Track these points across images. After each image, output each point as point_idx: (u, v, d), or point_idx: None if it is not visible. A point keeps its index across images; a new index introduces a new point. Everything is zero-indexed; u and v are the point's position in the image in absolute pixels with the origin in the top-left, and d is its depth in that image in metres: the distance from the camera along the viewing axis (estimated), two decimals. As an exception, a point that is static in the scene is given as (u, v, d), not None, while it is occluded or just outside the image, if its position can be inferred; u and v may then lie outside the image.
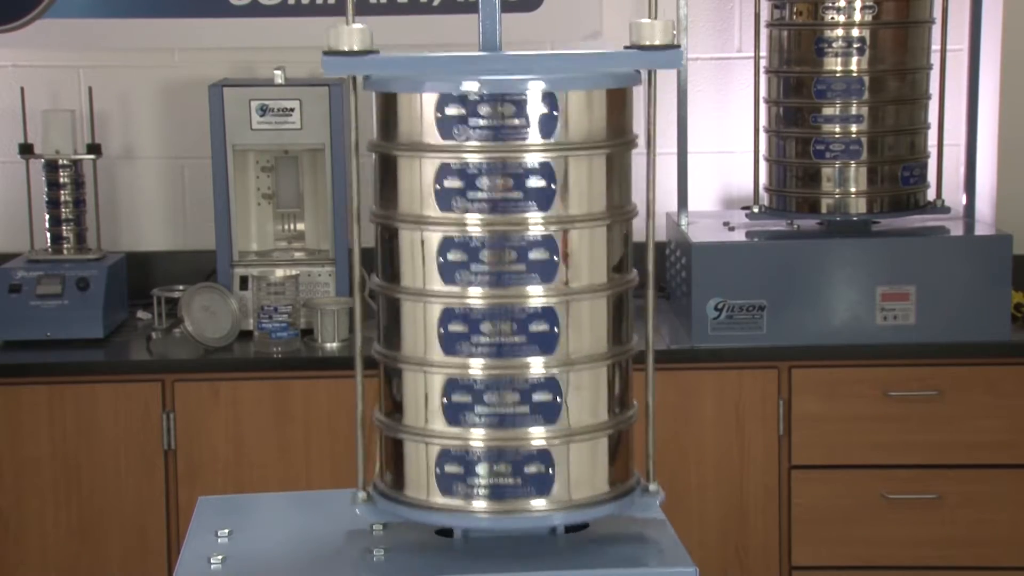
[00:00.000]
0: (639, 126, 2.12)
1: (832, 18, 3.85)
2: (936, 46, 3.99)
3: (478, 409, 2.04)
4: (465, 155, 2.01)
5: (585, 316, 2.07)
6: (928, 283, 3.86)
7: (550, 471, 2.06)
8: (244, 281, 4.02)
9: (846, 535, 3.91)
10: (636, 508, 2.15)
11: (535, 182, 2.02)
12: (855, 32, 3.85)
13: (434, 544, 2.13)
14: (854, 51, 3.86)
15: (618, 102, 2.08)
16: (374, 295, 2.17)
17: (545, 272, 2.03)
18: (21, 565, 3.88)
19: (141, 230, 4.45)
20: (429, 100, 2.02)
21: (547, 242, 2.03)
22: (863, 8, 3.84)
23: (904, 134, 3.93)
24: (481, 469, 2.05)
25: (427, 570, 2.07)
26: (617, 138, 2.08)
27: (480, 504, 2.06)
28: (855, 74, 3.87)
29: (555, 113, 2.01)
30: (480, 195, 2.01)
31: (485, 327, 2.03)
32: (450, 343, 2.04)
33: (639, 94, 2.14)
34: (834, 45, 3.86)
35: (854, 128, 3.89)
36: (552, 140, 2.02)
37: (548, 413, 2.05)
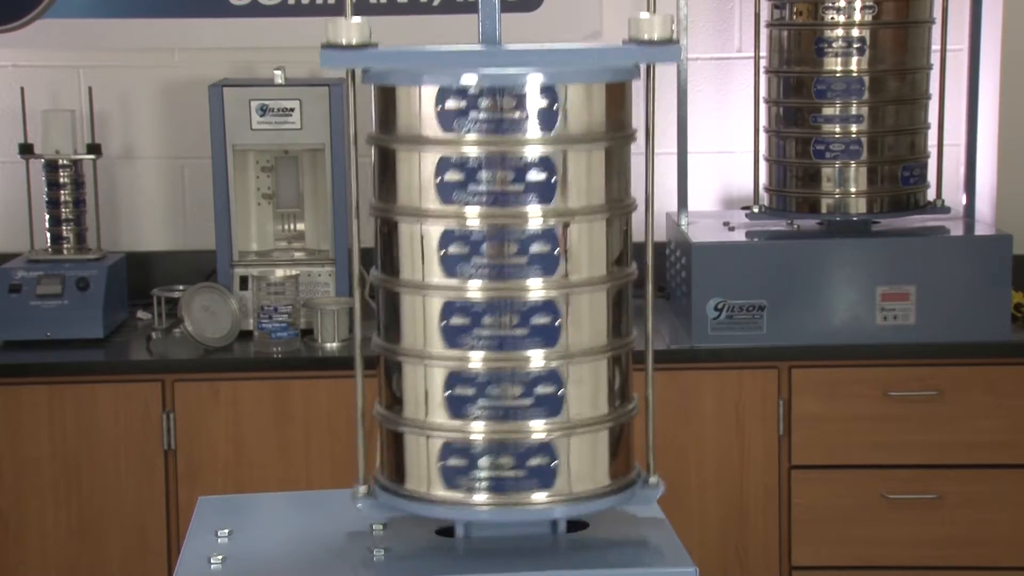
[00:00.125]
0: (638, 123, 2.12)
1: (832, 18, 3.85)
2: (936, 46, 3.99)
3: (480, 402, 2.04)
4: (465, 148, 2.01)
5: (586, 309, 2.08)
6: (928, 283, 3.86)
7: (553, 464, 2.06)
8: (244, 281, 4.02)
9: (846, 535, 3.91)
10: (637, 500, 2.15)
11: (535, 175, 2.02)
12: (855, 32, 3.86)
13: (434, 544, 2.13)
14: (854, 51, 3.86)
15: (617, 96, 2.08)
16: (374, 294, 2.17)
17: (546, 265, 2.04)
18: (21, 565, 3.88)
19: (141, 230, 4.45)
20: (429, 93, 2.02)
21: (548, 235, 2.03)
22: (863, 8, 3.84)
23: (904, 134, 3.93)
24: (483, 462, 2.05)
25: (427, 570, 2.07)
26: (616, 132, 2.08)
27: (481, 497, 2.06)
28: (855, 74, 3.87)
29: (555, 107, 2.02)
30: (481, 188, 2.02)
31: (487, 320, 2.03)
32: (452, 336, 2.04)
33: (638, 91, 2.14)
34: (834, 45, 3.86)
35: (854, 128, 3.89)
36: (552, 133, 2.02)
37: (551, 406, 2.06)
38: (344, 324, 3.94)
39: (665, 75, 3.96)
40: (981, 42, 4.16)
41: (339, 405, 3.82)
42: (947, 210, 4.04)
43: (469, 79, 2.00)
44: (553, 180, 2.03)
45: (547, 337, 2.05)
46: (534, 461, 2.06)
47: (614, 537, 2.14)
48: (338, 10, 4.29)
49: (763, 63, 4.04)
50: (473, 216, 2.02)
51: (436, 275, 2.05)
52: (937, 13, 3.96)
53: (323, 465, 3.85)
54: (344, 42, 2.03)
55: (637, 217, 2.15)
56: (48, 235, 4.14)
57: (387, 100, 2.08)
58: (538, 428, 2.06)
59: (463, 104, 2.01)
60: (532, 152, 2.02)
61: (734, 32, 4.39)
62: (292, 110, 3.99)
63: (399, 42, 4.14)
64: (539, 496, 2.07)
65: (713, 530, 3.92)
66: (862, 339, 3.86)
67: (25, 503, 3.87)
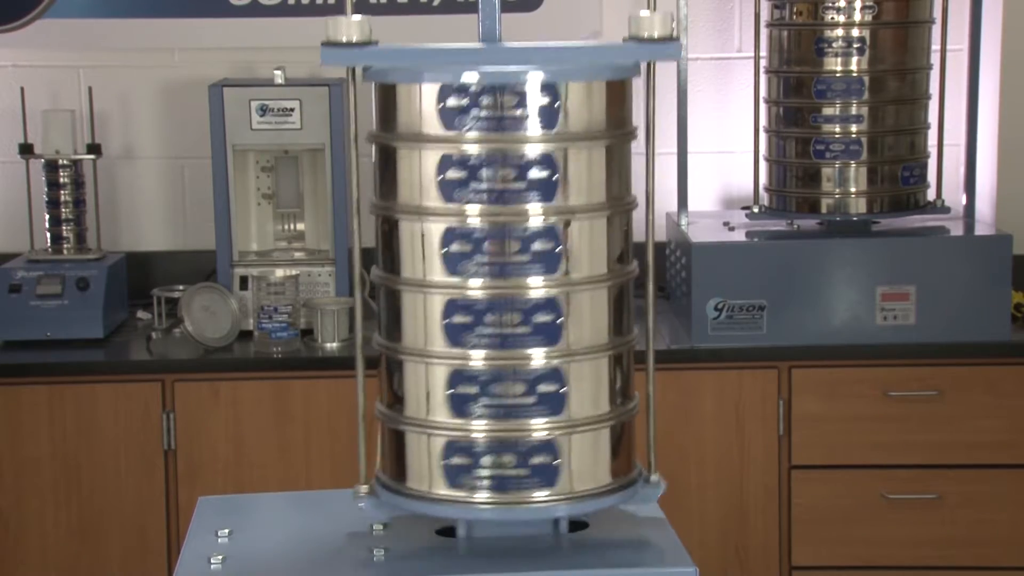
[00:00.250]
0: (638, 122, 2.12)
1: (832, 18, 3.85)
2: (936, 46, 3.99)
3: (483, 400, 2.04)
4: (467, 146, 2.01)
5: (588, 307, 2.07)
6: (928, 283, 3.86)
7: (555, 462, 2.06)
8: (244, 281, 4.02)
9: (846, 535, 3.91)
10: (639, 499, 2.15)
11: (537, 173, 2.02)
12: (855, 32, 3.85)
13: (434, 544, 2.13)
14: (854, 51, 3.86)
15: (618, 94, 2.08)
16: (374, 294, 2.17)
17: (548, 262, 2.04)
18: (21, 565, 3.88)
19: (141, 230, 4.45)
20: (429, 91, 2.02)
21: (549, 233, 2.03)
22: (863, 8, 3.84)
23: (904, 134, 3.93)
24: (485, 460, 2.05)
25: (427, 570, 2.07)
26: (617, 129, 2.08)
27: (483, 496, 2.06)
28: (855, 74, 3.87)
29: (556, 104, 2.02)
30: (482, 186, 2.01)
31: (489, 318, 2.03)
32: (454, 334, 2.04)
33: (638, 90, 2.13)
34: (834, 45, 3.86)
35: (854, 128, 3.89)
36: (553, 131, 2.02)
37: (553, 404, 2.06)
38: (344, 324, 3.94)
39: (665, 75, 3.95)
40: (981, 42, 4.16)
41: (339, 405, 3.82)
42: (947, 210, 4.04)
43: (470, 76, 2.00)
44: (555, 178, 2.03)
45: (549, 335, 2.05)
46: (536, 459, 2.05)
47: (614, 537, 2.14)
48: (338, 10, 4.28)
49: (763, 63, 4.04)
50: (475, 214, 2.02)
51: (437, 273, 2.05)
52: (937, 13, 3.96)
53: (323, 465, 3.85)
54: (344, 39, 2.03)
55: (637, 217, 2.15)
56: (48, 235, 4.14)
57: (388, 98, 2.08)
58: (540, 426, 2.05)
59: (464, 102, 2.00)
60: (533, 150, 2.02)
61: (734, 32, 4.39)
62: (292, 110, 3.99)
63: (399, 42, 4.14)
64: (541, 495, 2.07)
65: (713, 530, 3.92)
66: (862, 339, 3.86)
67: (25, 503, 3.87)
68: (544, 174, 2.02)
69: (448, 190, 2.02)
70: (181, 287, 4.09)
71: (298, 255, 4.13)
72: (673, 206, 4.12)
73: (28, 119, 4.15)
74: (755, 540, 3.92)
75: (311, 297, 4.01)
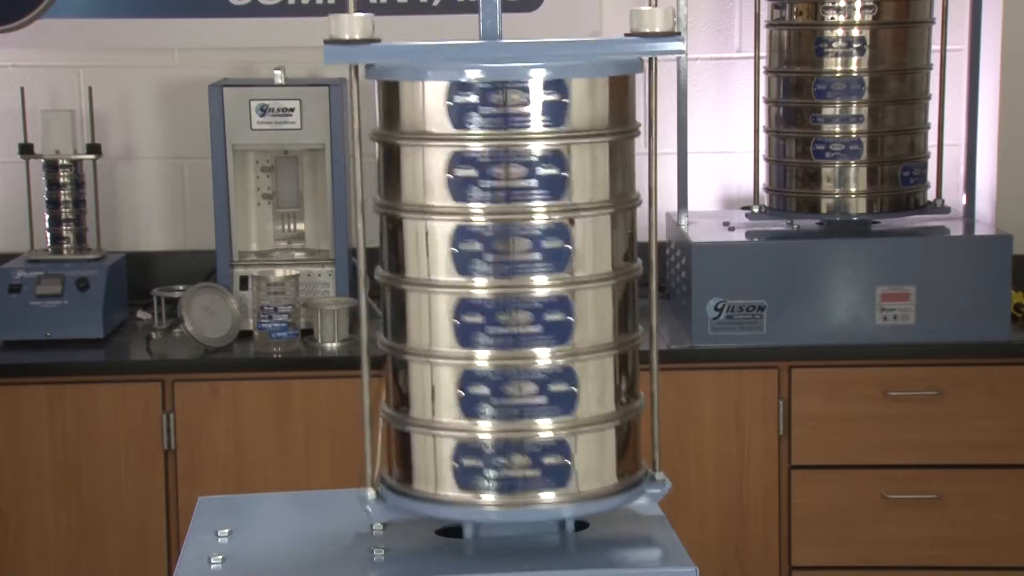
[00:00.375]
0: (639, 120, 2.12)
1: (832, 18, 3.85)
2: (936, 46, 3.99)
3: (494, 401, 2.04)
4: (479, 143, 2.00)
5: (595, 305, 2.07)
6: (928, 283, 3.86)
7: (561, 462, 2.05)
8: (244, 281, 4.02)
9: (846, 535, 3.91)
10: (645, 498, 2.14)
11: (548, 170, 2.01)
12: (855, 32, 3.85)
13: (434, 544, 2.13)
14: (854, 51, 3.86)
15: (621, 90, 2.08)
16: (376, 294, 2.17)
17: (558, 261, 2.03)
18: (21, 565, 3.88)
19: (141, 230, 4.45)
20: (433, 88, 2.01)
21: (560, 230, 2.03)
22: (863, 8, 3.84)
23: (904, 134, 3.93)
24: (495, 461, 2.04)
25: (428, 570, 2.06)
26: (620, 126, 2.08)
27: (491, 497, 2.06)
28: (855, 74, 3.87)
29: (562, 100, 2.01)
30: (492, 184, 2.01)
31: (496, 317, 2.02)
32: (465, 334, 2.03)
33: (638, 89, 2.13)
34: (834, 45, 3.86)
35: (854, 128, 3.89)
36: (559, 128, 2.01)
37: (564, 403, 2.05)
38: (344, 324, 3.94)
39: (665, 75, 3.96)
40: (981, 42, 4.16)
41: (339, 405, 3.82)
42: (947, 210, 4.04)
43: (477, 73, 1.99)
44: (565, 174, 2.02)
45: (560, 334, 2.04)
46: (549, 460, 2.05)
47: (614, 537, 2.14)
48: (337, 9, 4.29)
49: (763, 63, 4.04)
50: (484, 212, 2.01)
51: (443, 272, 2.04)
52: (937, 13, 3.95)
53: (323, 465, 3.85)
54: (347, 37, 2.02)
55: (638, 215, 2.15)
56: (48, 235, 4.14)
57: (391, 95, 2.07)
58: (551, 427, 2.05)
59: (469, 99, 2.00)
60: (543, 147, 2.01)
61: (734, 32, 4.39)
62: (292, 110, 3.99)
63: (399, 41, 4.14)
64: (548, 496, 2.06)
65: (713, 530, 3.91)
66: (862, 339, 3.86)
67: (25, 503, 3.87)
68: (553, 171, 2.01)
69: (457, 188, 2.01)
70: (181, 287, 4.09)
71: (298, 255, 4.13)
72: (673, 206, 4.12)
73: (28, 119, 4.15)
74: (755, 540, 3.92)
75: (311, 297, 4.01)
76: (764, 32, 4.03)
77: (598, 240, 2.07)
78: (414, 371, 2.08)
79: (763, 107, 4.05)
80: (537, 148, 2.01)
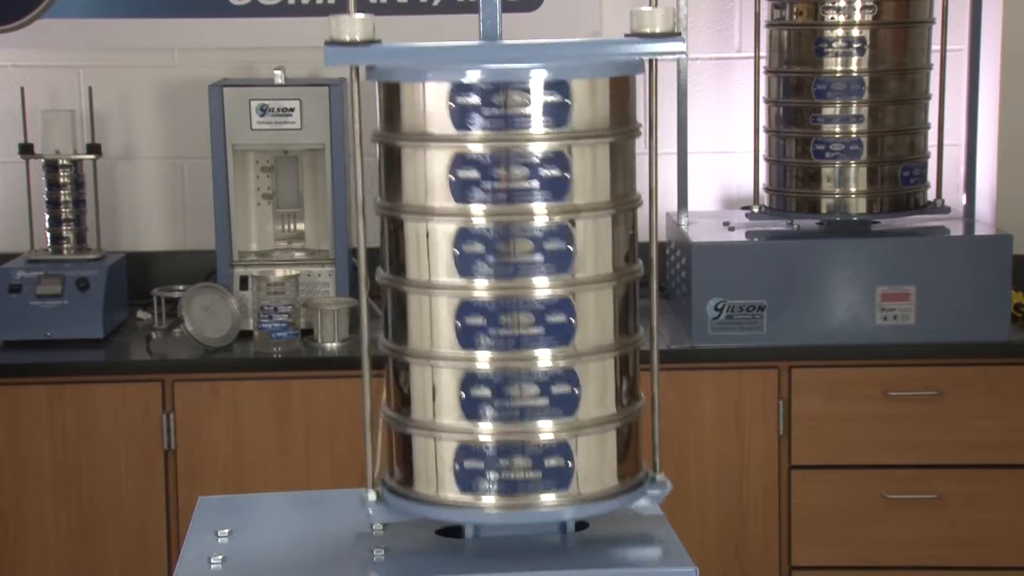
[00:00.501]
0: (639, 117, 2.12)
1: (832, 18, 3.85)
2: (936, 46, 3.99)
3: (496, 403, 2.03)
4: (480, 144, 2.00)
5: (596, 306, 2.07)
6: (928, 283, 3.86)
7: (562, 464, 2.05)
8: (244, 281, 4.02)
9: (846, 535, 3.91)
10: (646, 499, 2.14)
11: (550, 171, 2.01)
12: (855, 32, 3.85)
13: (434, 544, 2.13)
14: (854, 51, 3.86)
15: (622, 91, 2.08)
16: (377, 295, 2.16)
17: (561, 262, 2.03)
18: (21, 565, 3.88)
19: (141, 230, 4.45)
20: (434, 89, 2.01)
21: (563, 232, 2.02)
22: (863, 8, 3.84)
23: (904, 134, 3.93)
24: (497, 463, 2.04)
25: (428, 570, 2.06)
26: (621, 127, 2.08)
27: (492, 500, 2.05)
28: (855, 74, 3.87)
29: (563, 101, 2.01)
30: (493, 185, 2.00)
31: (497, 319, 2.02)
32: (467, 336, 2.03)
33: (639, 85, 2.13)
34: (834, 45, 3.86)
35: (854, 128, 3.89)
36: (563, 128, 2.01)
37: (566, 405, 2.05)
38: (344, 324, 3.94)
39: (665, 75, 3.96)
40: (981, 42, 4.16)
41: (339, 405, 3.82)
42: (947, 210, 4.04)
43: (478, 74, 1.99)
44: (568, 176, 2.02)
45: (562, 336, 2.04)
46: (551, 462, 2.05)
47: (614, 536, 2.14)
48: (337, 9, 4.28)
49: (763, 63, 4.04)
50: (485, 214, 2.01)
51: (444, 274, 2.03)
52: (937, 13, 3.95)
53: (323, 465, 3.85)
54: (348, 38, 2.02)
55: (639, 215, 2.15)
56: (48, 235, 4.14)
57: (392, 97, 2.07)
58: (553, 428, 2.05)
59: (470, 100, 1.99)
60: (544, 148, 2.01)
61: (734, 32, 4.39)
62: (292, 110, 3.99)
63: (399, 42, 4.14)
64: (549, 498, 2.06)
65: (713, 530, 3.91)
66: (862, 339, 3.86)
67: (25, 503, 3.87)
68: (554, 172, 2.01)
69: (458, 190, 2.01)
70: (181, 287, 4.09)
71: (298, 255, 4.13)
72: (673, 206, 4.12)
73: (28, 119, 4.15)
74: (755, 540, 3.92)
75: (311, 297, 4.01)
76: (764, 32, 4.03)
77: (599, 241, 2.06)
78: (415, 373, 2.08)
79: (763, 107, 4.05)
80: (538, 149, 2.01)
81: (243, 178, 4.09)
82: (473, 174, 2.00)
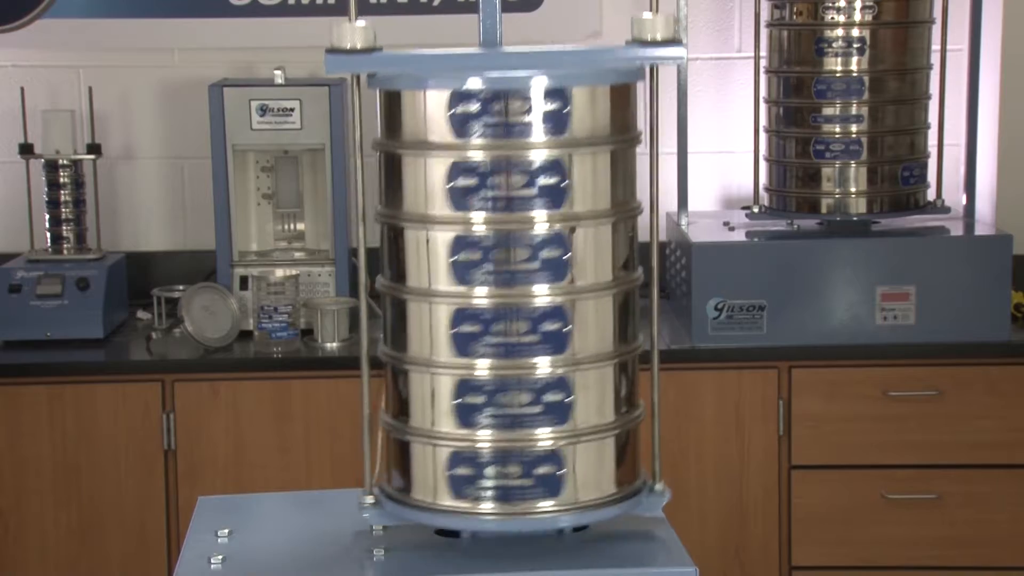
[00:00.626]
0: (639, 124, 2.12)
1: (832, 18, 3.85)
2: (936, 46, 3.99)
3: (488, 410, 2.03)
4: (478, 153, 2.00)
5: (594, 314, 2.07)
6: (928, 283, 3.86)
7: (559, 472, 2.05)
8: (244, 281, 4.02)
9: (846, 535, 3.91)
10: (643, 508, 2.14)
11: (544, 179, 2.01)
12: (855, 32, 3.85)
13: (434, 544, 2.13)
14: (854, 51, 3.86)
15: (622, 98, 2.07)
16: (378, 296, 2.16)
17: (557, 270, 2.03)
18: (21, 565, 3.88)
19: (141, 230, 4.45)
20: (438, 98, 2.01)
21: (558, 240, 2.02)
22: (863, 8, 3.84)
23: (904, 134, 3.93)
24: (491, 471, 2.04)
25: (427, 570, 2.06)
26: (621, 134, 2.07)
27: (488, 506, 2.06)
28: (855, 74, 3.87)
29: (564, 109, 2.01)
30: (493, 193, 2.00)
31: (495, 327, 2.02)
32: (460, 344, 2.03)
33: (640, 91, 2.13)
34: (834, 45, 3.86)
35: (854, 128, 3.89)
36: (560, 137, 2.01)
37: (559, 413, 2.05)
38: (344, 324, 3.94)
39: (665, 75, 3.96)
40: (981, 42, 4.16)
41: (339, 405, 3.82)
42: (947, 210, 4.04)
43: (477, 83, 1.99)
44: (564, 184, 2.02)
45: (556, 344, 2.04)
46: (541, 470, 2.05)
47: (615, 536, 2.14)
48: (338, 10, 4.29)
49: (763, 63, 4.04)
50: (484, 222, 2.01)
51: (443, 282, 2.04)
52: (937, 13, 3.95)
53: (323, 465, 3.85)
54: (348, 46, 2.02)
55: (640, 218, 2.15)
56: (48, 235, 4.14)
57: (393, 105, 2.07)
58: (546, 436, 2.05)
59: (471, 108, 1.99)
60: (543, 155, 2.01)
61: (734, 32, 4.39)
62: (292, 110, 3.99)
63: (399, 42, 4.14)
64: (546, 505, 2.06)
65: (713, 530, 3.91)
66: (862, 339, 3.86)
67: (25, 503, 3.87)
68: (553, 180, 2.01)
69: (455, 198, 2.01)
70: (181, 287, 4.09)
71: (298, 255, 4.12)
72: (673, 206, 4.12)
73: (28, 119, 4.15)
74: (755, 540, 3.92)
75: (311, 297, 4.01)
76: (764, 32, 4.03)
77: (599, 249, 2.06)
78: (414, 380, 2.08)
79: (763, 107, 4.05)
80: (538, 157, 2.01)
81: (243, 178, 4.09)
82: (473, 182, 2.00)
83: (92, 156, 4.12)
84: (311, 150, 4.08)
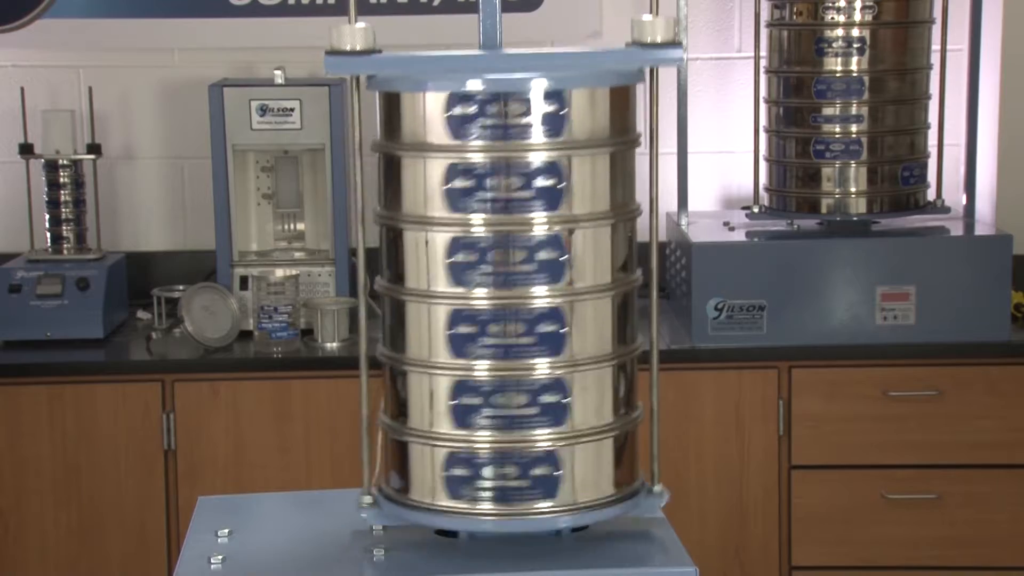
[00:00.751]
0: (639, 125, 2.12)
1: (832, 18, 3.85)
2: (936, 46, 3.99)
3: (486, 411, 2.04)
4: (475, 155, 2.00)
5: (592, 316, 2.07)
6: (928, 283, 3.86)
7: (557, 473, 2.05)
8: (244, 281, 4.02)
9: (846, 535, 3.91)
10: (641, 510, 2.15)
11: (543, 181, 2.01)
12: (855, 32, 3.85)
13: (434, 544, 2.13)
14: (854, 51, 3.86)
15: (622, 100, 2.08)
16: (377, 296, 2.17)
17: (553, 272, 2.03)
18: (21, 565, 3.88)
19: (141, 230, 4.45)
20: (436, 99, 2.01)
21: (555, 241, 2.03)
22: (863, 8, 3.84)
23: (904, 134, 3.93)
24: (488, 472, 2.05)
25: (427, 570, 2.06)
26: (621, 136, 2.08)
27: (486, 506, 2.06)
28: (855, 74, 3.87)
29: (562, 112, 2.01)
30: (489, 195, 2.00)
31: (493, 328, 2.02)
32: (458, 345, 2.03)
33: (639, 93, 2.13)
34: (834, 45, 3.86)
35: (854, 128, 3.89)
36: (558, 139, 2.01)
37: (556, 414, 2.05)
38: (344, 324, 3.94)
39: (665, 75, 3.96)
40: (981, 42, 4.16)
41: (339, 405, 3.82)
42: (947, 210, 4.04)
43: (476, 85, 1.99)
44: (560, 186, 2.02)
45: (553, 345, 2.04)
46: (538, 471, 2.05)
47: (614, 537, 2.14)
48: (338, 10, 4.29)
49: (763, 63, 4.04)
50: (482, 223, 2.01)
51: (442, 283, 2.04)
52: (937, 13, 3.96)
53: (323, 465, 3.85)
54: (348, 48, 2.02)
55: (640, 219, 2.15)
56: (48, 235, 4.14)
57: (392, 106, 2.07)
58: (543, 437, 2.05)
59: (469, 110, 1.99)
60: (541, 158, 2.01)
61: (734, 32, 4.39)
62: (292, 110, 3.99)
63: (399, 43, 4.14)
64: (543, 505, 2.06)
65: (713, 530, 3.91)
66: (862, 339, 3.86)
67: (25, 503, 3.87)
68: (550, 182, 2.01)
69: (454, 199, 2.01)
70: (181, 287, 4.09)
71: (298, 255, 4.13)
72: (673, 206, 4.12)
73: (28, 119, 4.15)
74: (755, 540, 3.92)
75: (311, 297, 4.01)
76: (764, 32, 4.03)
77: (598, 251, 2.06)
78: (413, 381, 2.08)
79: (763, 107, 4.05)
80: (537, 159, 2.01)
81: (243, 178, 4.09)
82: (472, 184, 2.00)
83: (92, 156, 4.12)
84: (311, 150, 4.08)
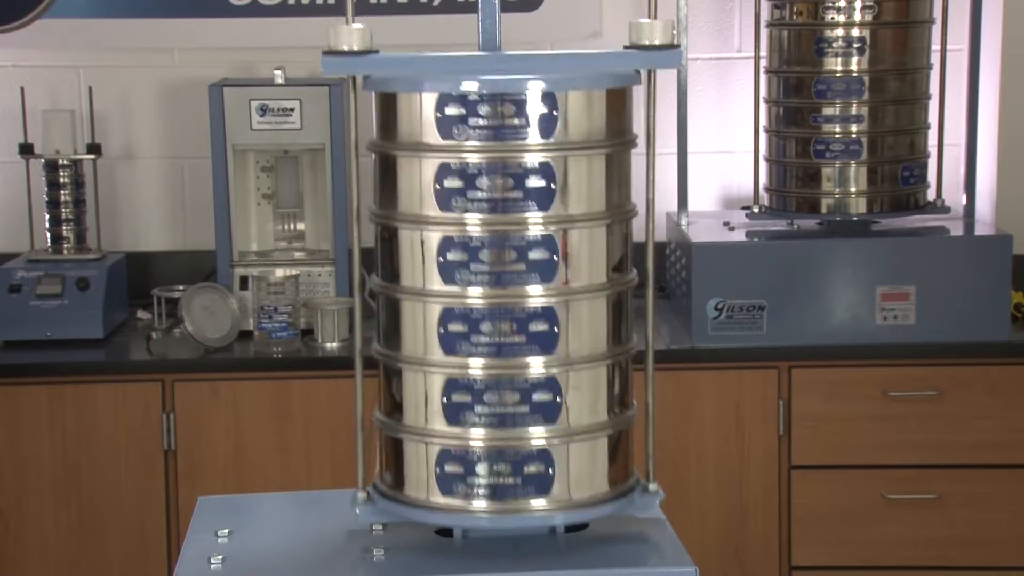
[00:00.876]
0: (638, 126, 2.12)
1: (832, 18, 3.85)
2: (936, 46, 3.99)
3: (478, 409, 2.04)
4: (465, 155, 2.01)
5: (585, 316, 2.07)
6: (928, 283, 3.86)
7: (550, 471, 2.06)
8: (244, 281, 4.02)
9: (846, 535, 3.91)
10: (635, 508, 2.15)
11: (535, 182, 2.01)
12: (855, 32, 3.86)
13: (434, 544, 2.13)
14: (854, 51, 3.86)
15: (618, 102, 2.08)
16: (374, 295, 2.17)
17: (545, 272, 2.03)
18: (21, 565, 3.88)
19: (141, 230, 4.45)
20: (429, 100, 2.02)
21: (547, 242, 2.03)
22: (863, 8, 3.84)
23: (904, 134, 3.93)
24: (481, 469, 2.05)
25: (427, 570, 2.06)
26: (617, 138, 2.08)
27: (480, 504, 2.06)
28: (855, 74, 3.87)
29: (555, 113, 2.01)
30: (480, 195, 2.01)
31: (485, 327, 2.03)
32: (450, 343, 2.04)
33: (638, 94, 2.13)
34: (834, 45, 3.86)
35: (854, 128, 3.89)
36: (552, 140, 2.02)
37: (548, 413, 2.05)
38: (344, 324, 3.94)
39: (665, 76, 3.96)
40: (981, 42, 4.16)
41: (339, 405, 3.82)
42: (947, 210, 4.04)
43: (470, 86, 2.00)
44: (553, 187, 2.02)
45: (546, 344, 2.04)
46: (530, 468, 2.05)
47: (614, 537, 2.14)
48: (338, 10, 4.29)
49: (763, 63, 4.04)
50: (473, 223, 2.01)
51: (436, 282, 2.04)
52: (937, 13, 3.96)
53: (323, 465, 3.85)
54: (345, 48, 2.02)
55: (637, 219, 2.15)
56: (48, 235, 4.14)
57: (388, 106, 2.07)
58: (536, 435, 2.05)
59: (463, 111, 2.00)
60: (532, 159, 2.01)
61: (734, 32, 4.39)
62: (292, 110, 3.99)
63: (399, 43, 4.15)
64: (537, 503, 2.07)
65: (713, 530, 3.92)
66: (862, 339, 3.86)
67: (25, 503, 3.87)
68: (543, 183, 2.02)
69: (446, 199, 2.02)
70: (181, 287, 4.09)
71: (298, 255, 4.13)
72: (673, 206, 4.12)
73: (28, 119, 4.15)
74: (755, 540, 3.92)
75: (311, 297, 4.01)
76: (764, 32, 4.03)
77: (593, 251, 2.06)
78: (407, 379, 2.09)
79: (763, 107, 4.05)
80: (533, 160, 2.01)
81: (243, 178, 4.09)
82: (467, 184, 2.01)
83: (92, 156, 4.12)
84: (311, 150, 4.08)
